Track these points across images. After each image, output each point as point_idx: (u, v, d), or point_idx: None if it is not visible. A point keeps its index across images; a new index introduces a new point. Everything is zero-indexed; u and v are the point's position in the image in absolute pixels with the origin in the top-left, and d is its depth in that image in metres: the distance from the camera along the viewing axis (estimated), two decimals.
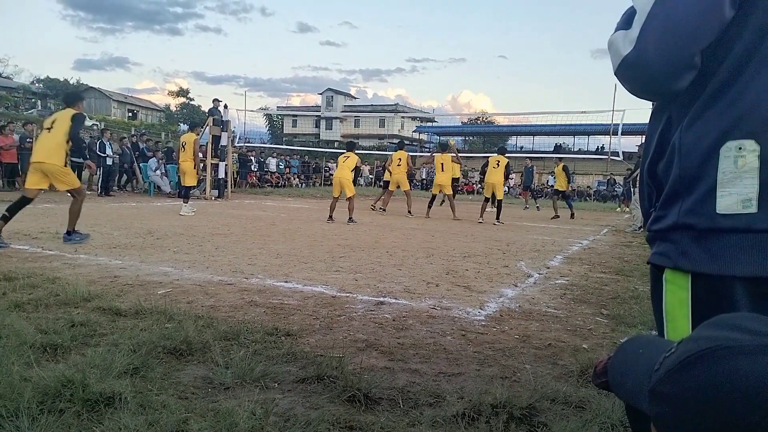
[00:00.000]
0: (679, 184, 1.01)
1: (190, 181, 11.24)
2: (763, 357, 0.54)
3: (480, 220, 11.94)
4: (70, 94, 6.69)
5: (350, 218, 10.30)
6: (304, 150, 38.23)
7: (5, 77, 61.71)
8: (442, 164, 12.56)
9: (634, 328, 3.63)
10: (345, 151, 11.00)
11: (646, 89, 1.03)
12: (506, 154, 12.53)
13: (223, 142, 16.29)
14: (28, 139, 14.73)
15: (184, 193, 11.19)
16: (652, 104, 1.14)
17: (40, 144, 6.13)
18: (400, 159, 12.92)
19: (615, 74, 1.05)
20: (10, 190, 14.31)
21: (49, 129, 6.05)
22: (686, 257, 0.98)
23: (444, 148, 13.61)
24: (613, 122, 17.15)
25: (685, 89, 0.99)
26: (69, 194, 6.28)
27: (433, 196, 13.24)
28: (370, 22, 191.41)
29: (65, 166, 6.07)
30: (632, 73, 1.00)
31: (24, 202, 5.94)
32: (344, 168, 10.44)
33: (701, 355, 0.57)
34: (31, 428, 1.85)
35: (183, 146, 11.35)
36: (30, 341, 2.65)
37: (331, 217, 10.45)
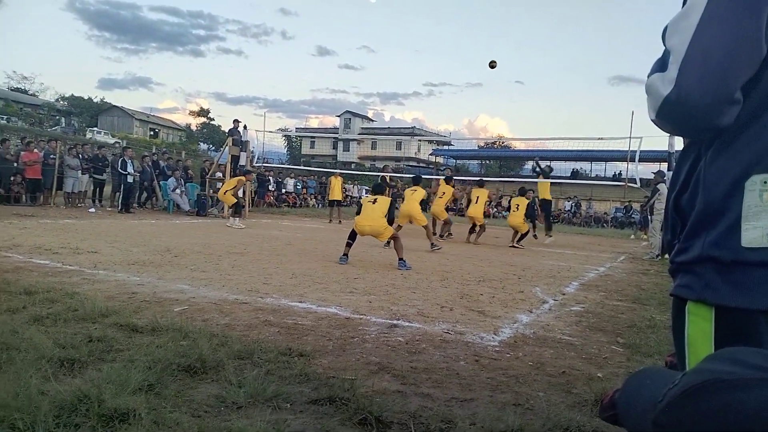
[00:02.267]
0: (703, 217, 1.01)
1: (229, 201, 13.21)
2: (759, 390, 0.55)
3: (511, 245, 12.31)
4: (377, 185, 8.79)
5: (432, 244, 10.34)
6: (321, 171, 38.45)
7: (31, 95, 63.34)
8: (478, 197, 13.02)
9: (650, 357, 3.58)
10: (395, 184, 11.30)
11: (689, 127, 1.01)
12: (526, 194, 13.19)
13: (242, 161, 16.51)
14: (51, 155, 14.98)
15: (234, 211, 13.17)
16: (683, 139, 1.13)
17: (368, 213, 7.86)
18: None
19: (656, 117, 1.02)
20: (32, 204, 14.56)
21: (373, 202, 7.89)
22: (710, 290, 0.98)
23: (481, 184, 13.99)
24: (630, 149, 17.04)
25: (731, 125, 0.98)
26: (392, 239, 7.98)
27: (473, 225, 13.24)
28: (388, 46, 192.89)
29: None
30: (675, 112, 0.99)
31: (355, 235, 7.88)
32: (413, 200, 10.54)
33: (701, 387, 0.58)
34: None
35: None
36: (48, 355, 2.69)
37: (388, 243, 10.31)
